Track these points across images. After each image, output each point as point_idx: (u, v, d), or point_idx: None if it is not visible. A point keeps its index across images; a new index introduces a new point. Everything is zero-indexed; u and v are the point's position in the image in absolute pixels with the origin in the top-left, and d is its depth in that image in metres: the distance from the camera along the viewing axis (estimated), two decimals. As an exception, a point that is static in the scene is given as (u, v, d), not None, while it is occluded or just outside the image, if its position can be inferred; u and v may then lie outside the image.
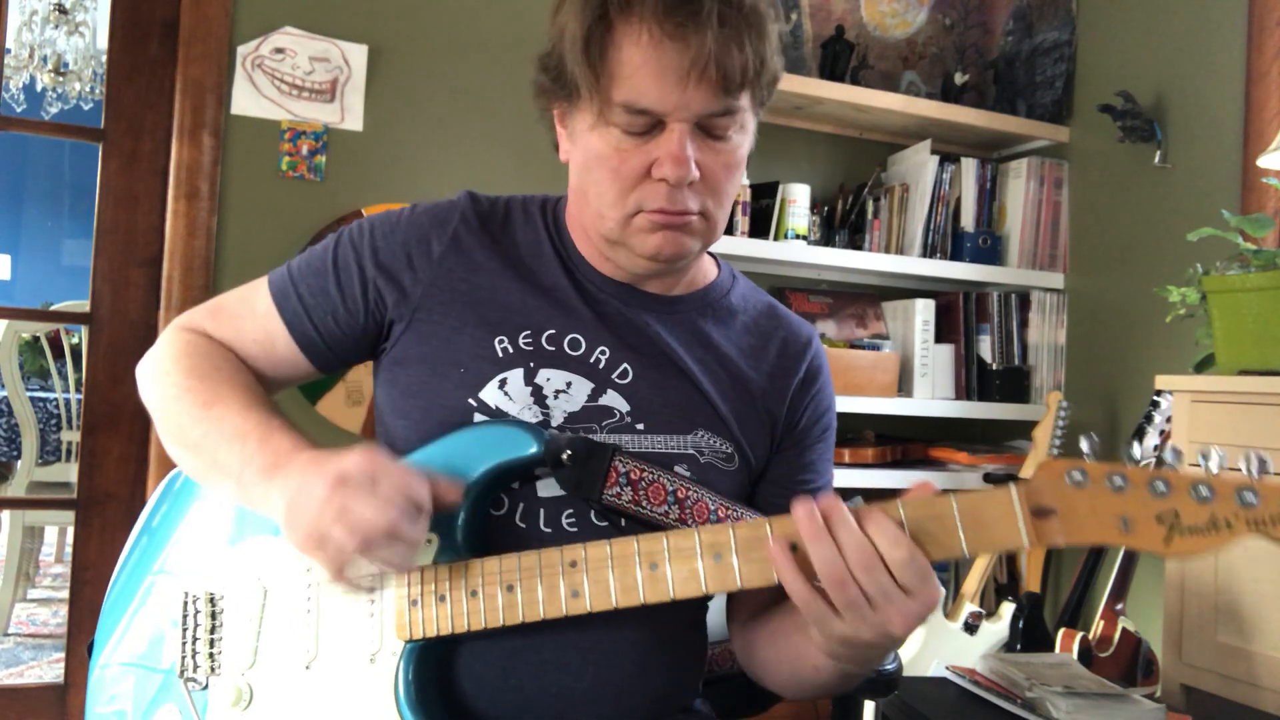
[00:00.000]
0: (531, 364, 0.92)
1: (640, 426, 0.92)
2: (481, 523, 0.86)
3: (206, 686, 0.89)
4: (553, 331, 0.93)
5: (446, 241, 0.95)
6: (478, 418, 0.90)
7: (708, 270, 1.04)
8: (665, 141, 0.85)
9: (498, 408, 0.90)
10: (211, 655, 0.89)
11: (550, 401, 0.91)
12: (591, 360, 0.93)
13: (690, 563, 0.76)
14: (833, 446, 1.06)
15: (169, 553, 0.96)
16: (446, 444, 0.88)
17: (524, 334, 0.93)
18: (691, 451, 0.93)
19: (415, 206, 0.99)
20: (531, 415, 0.90)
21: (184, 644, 0.91)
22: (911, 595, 0.71)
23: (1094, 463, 0.67)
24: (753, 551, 0.75)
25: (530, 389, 0.91)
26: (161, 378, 0.95)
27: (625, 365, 0.94)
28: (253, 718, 0.86)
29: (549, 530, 0.88)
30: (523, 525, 0.89)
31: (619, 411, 0.92)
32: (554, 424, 0.91)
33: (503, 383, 0.91)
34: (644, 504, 0.87)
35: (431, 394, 0.92)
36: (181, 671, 0.89)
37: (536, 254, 0.98)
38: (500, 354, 0.92)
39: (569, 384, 0.92)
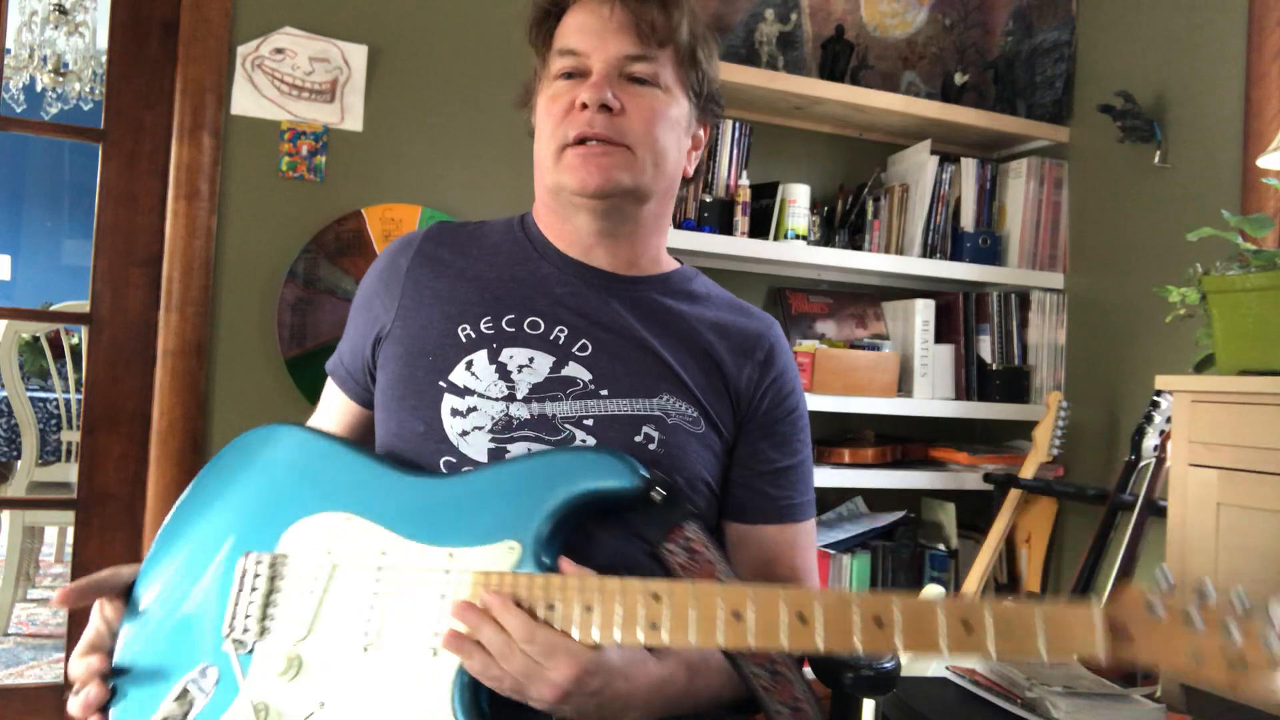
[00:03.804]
0: (494, 345, 0.98)
1: (604, 392, 0.97)
2: (563, 541, 0.87)
3: (251, 650, 0.88)
4: (512, 316, 1.00)
5: (412, 256, 1.05)
6: (449, 399, 0.96)
7: (668, 262, 1.10)
8: (590, 79, 0.99)
9: (466, 386, 0.97)
10: (264, 619, 0.88)
11: (515, 376, 0.97)
12: (551, 337, 0.99)
13: (774, 615, 0.76)
14: (802, 429, 1.08)
15: (233, 508, 0.96)
16: (549, 459, 0.89)
17: (485, 320, 1.00)
18: (658, 413, 0.97)
19: (394, 241, 1.12)
20: (498, 390, 0.96)
21: (235, 604, 0.90)
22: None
23: (1172, 598, 0.71)
24: (837, 619, 0.75)
25: (495, 367, 0.97)
26: None
27: (584, 340, 0.99)
28: (299, 689, 0.85)
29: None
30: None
31: (581, 380, 0.97)
32: (519, 395, 0.96)
33: (469, 364, 0.97)
34: (690, 574, 0.88)
35: (404, 383, 0.99)
36: (229, 631, 0.89)
37: (500, 250, 1.06)
38: (464, 339, 0.99)
39: (531, 359, 0.98)
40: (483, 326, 0.99)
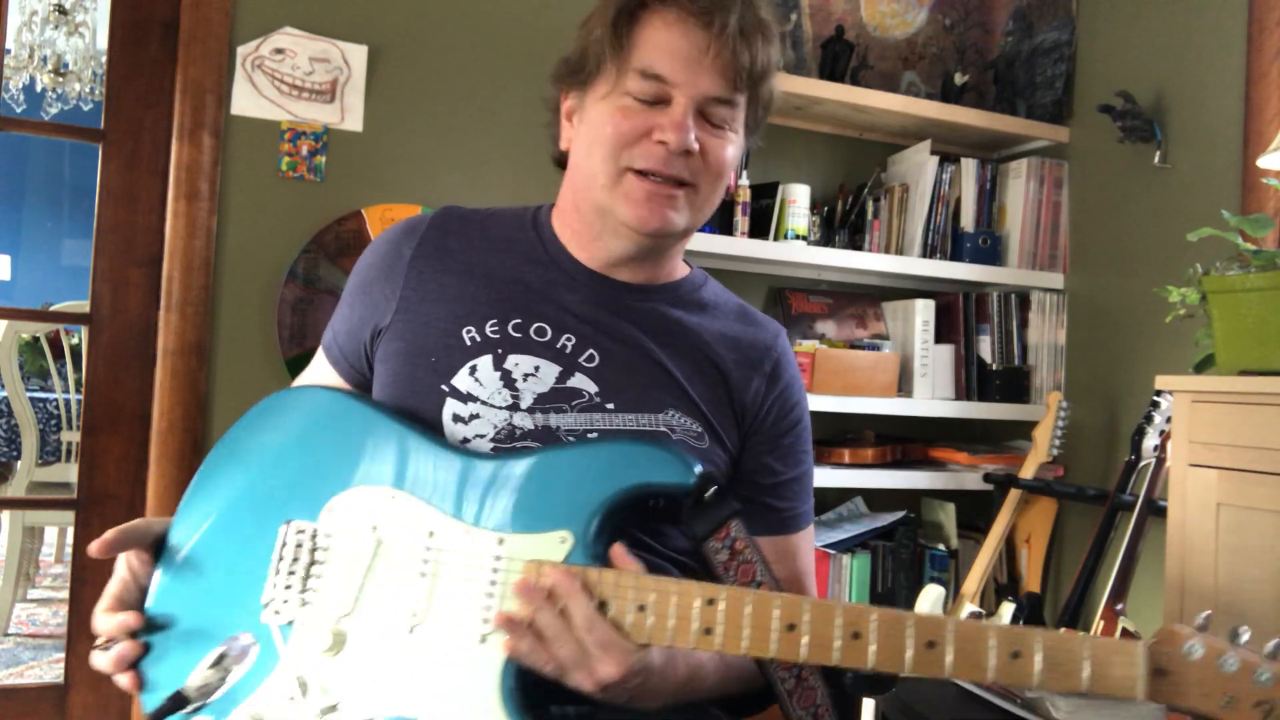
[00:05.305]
0: (500, 350, 0.96)
1: (610, 406, 0.96)
2: (611, 533, 0.86)
3: (291, 622, 0.87)
4: (518, 320, 0.97)
5: (414, 247, 1.02)
6: (451, 403, 0.94)
7: (680, 268, 1.08)
8: (670, 111, 0.93)
9: (469, 393, 0.95)
10: (305, 591, 0.87)
11: (519, 385, 0.95)
12: (558, 346, 0.97)
13: (827, 631, 0.76)
14: (806, 439, 1.08)
15: (273, 471, 0.94)
16: (604, 448, 0.89)
17: (490, 323, 0.97)
18: (663, 429, 0.96)
19: (400, 221, 1.07)
20: (502, 399, 0.94)
21: (276, 573, 0.88)
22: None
23: (1212, 640, 0.73)
24: (890, 637, 0.75)
25: (499, 374, 0.95)
26: None
27: (591, 350, 0.97)
28: (342, 666, 0.85)
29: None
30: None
31: (587, 393, 0.96)
32: (523, 405, 0.95)
33: (473, 369, 0.95)
34: (731, 574, 0.88)
35: (404, 383, 0.97)
36: (269, 601, 0.88)
37: (510, 249, 1.03)
38: (468, 342, 0.96)
39: (537, 368, 0.96)
40: (488, 330, 0.97)
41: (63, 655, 2.06)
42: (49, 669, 2.73)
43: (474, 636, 0.83)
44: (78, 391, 3.19)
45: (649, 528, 0.94)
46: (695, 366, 1.00)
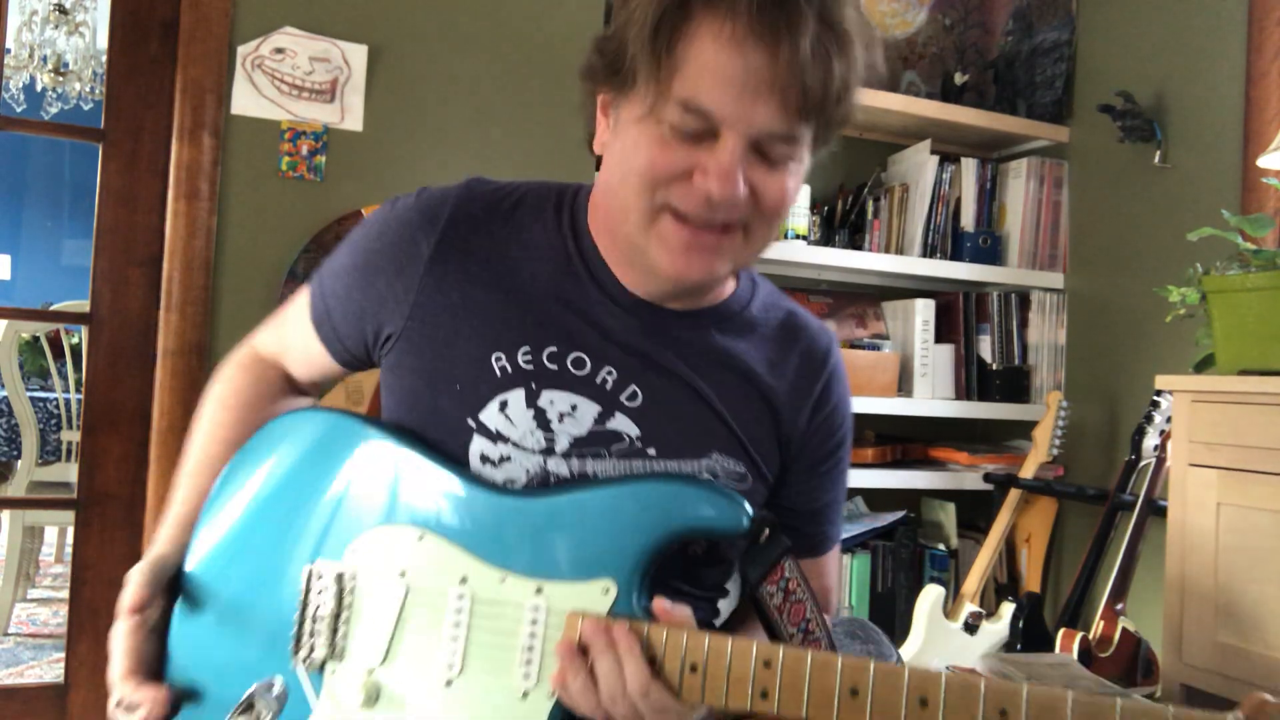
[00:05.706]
0: (533, 384, 0.87)
1: (651, 451, 0.88)
2: (654, 580, 0.80)
3: (322, 670, 0.83)
4: (554, 349, 0.88)
5: (434, 244, 0.90)
6: (479, 441, 0.87)
7: (729, 282, 0.97)
8: (716, 152, 0.77)
9: (499, 431, 0.87)
10: (333, 637, 0.83)
11: (555, 425, 0.87)
12: (598, 381, 0.88)
13: (893, 697, 0.72)
14: (845, 462, 1.02)
15: (293, 507, 0.88)
16: (648, 488, 0.81)
17: (523, 350, 0.87)
18: (706, 476, 0.90)
19: (419, 193, 0.94)
20: (535, 440, 0.87)
21: (303, 619, 0.84)
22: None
23: None
24: (961, 706, 0.71)
25: (533, 411, 0.87)
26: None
27: (634, 387, 0.88)
28: (378, 719, 0.81)
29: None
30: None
31: (629, 436, 0.88)
32: (559, 449, 0.87)
33: (503, 405, 0.87)
34: (784, 616, 0.85)
35: (426, 409, 0.89)
36: (296, 648, 0.84)
37: (543, 256, 0.91)
38: (499, 373, 0.87)
39: (574, 406, 0.87)
40: (520, 360, 0.87)
41: (63, 655, 2.06)
42: (49, 669, 2.73)
43: (515, 693, 0.78)
44: (78, 391, 3.19)
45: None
46: (744, 399, 0.93)
